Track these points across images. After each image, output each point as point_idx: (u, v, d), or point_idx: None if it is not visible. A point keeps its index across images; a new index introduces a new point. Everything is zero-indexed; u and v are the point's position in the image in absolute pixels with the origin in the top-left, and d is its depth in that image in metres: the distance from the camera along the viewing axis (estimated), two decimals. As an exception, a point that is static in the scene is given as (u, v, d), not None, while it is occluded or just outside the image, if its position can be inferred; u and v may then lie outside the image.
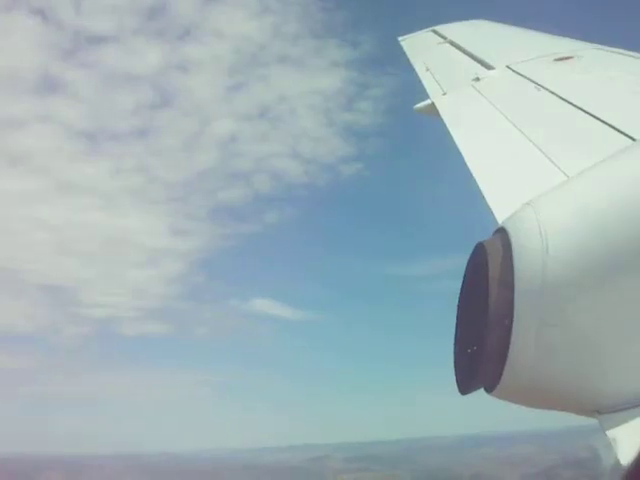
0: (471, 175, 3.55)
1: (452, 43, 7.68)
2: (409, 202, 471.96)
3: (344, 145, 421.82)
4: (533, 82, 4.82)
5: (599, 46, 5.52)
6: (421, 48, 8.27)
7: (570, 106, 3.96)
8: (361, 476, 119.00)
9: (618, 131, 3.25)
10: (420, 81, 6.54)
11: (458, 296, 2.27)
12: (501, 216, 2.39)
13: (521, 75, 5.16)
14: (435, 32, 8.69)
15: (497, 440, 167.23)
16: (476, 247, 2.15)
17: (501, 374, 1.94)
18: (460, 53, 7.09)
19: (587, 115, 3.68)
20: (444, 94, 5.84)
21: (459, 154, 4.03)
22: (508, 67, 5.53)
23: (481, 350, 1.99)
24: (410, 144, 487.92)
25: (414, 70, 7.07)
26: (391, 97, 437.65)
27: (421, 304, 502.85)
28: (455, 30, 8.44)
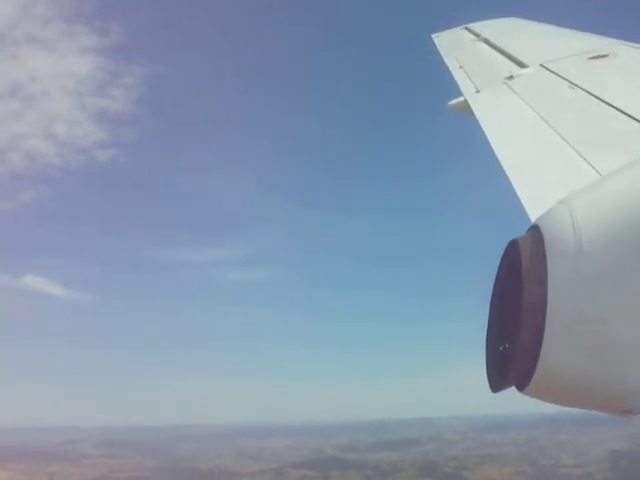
0: (504, 173, 3.57)
1: (485, 41, 7.66)
2: (171, 190, 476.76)
3: (98, 130, 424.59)
4: (567, 80, 4.80)
5: (634, 44, 5.47)
6: (454, 45, 8.25)
7: (604, 105, 3.95)
8: (104, 462, 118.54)
9: None
10: None
11: (491, 293, 2.26)
12: (534, 214, 2.40)
13: (555, 73, 5.13)
14: (468, 29, 8.66)
15: (258, 432, 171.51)
16: (509, 244, 2.14)
17: (533, 372, 1.93)
18: (493, 51, 7.07)
19: (621, 114, 3.66)
20: (477, 92, 5.83)
21: (489, 151, 4.05)
22: (542, 65, 5.51)
23: (513, 348, 1.98)
24: (163, 133, 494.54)
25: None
26: (142, 87, 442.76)
27: (189, 289, 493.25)
28: (488, 28, 8.41)
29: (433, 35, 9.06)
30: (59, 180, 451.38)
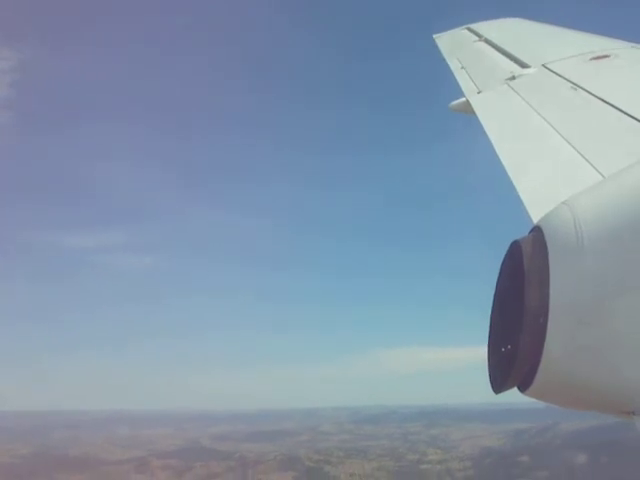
0: (506, 173, 3.57)
1: (487, 41, 7.65)
2: (52, 173, 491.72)
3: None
4: (569, 81, 4.80)
5: (636, 44, 5.47)
6: (456, 46, 8.25)
7: (606, 105, 3.95)
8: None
9: None
10: None
11: (493, 294, 2.27)
12: (536, 215, 2.40)
13: (557, 74, 5.13)
14: (470, 30, 8.66)
15: (140, 419, 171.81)
16: (511, 246, 2.15)
17: (535, 373, 1.94)
18: (495, 51, 7.07)
19: (623, 114, 3.66)
20: (479, 92, 5.83)
21: (491, 152, 4.05)
22: (544, 66, 5.51)
23: (515, 349, 1.98)
24: (41, 116, 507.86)
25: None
26: (17, 71, 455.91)
27: (71, 273, 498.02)
28: (490, 28, 8.41)
29: (435, 35, 9.06)
30: None
